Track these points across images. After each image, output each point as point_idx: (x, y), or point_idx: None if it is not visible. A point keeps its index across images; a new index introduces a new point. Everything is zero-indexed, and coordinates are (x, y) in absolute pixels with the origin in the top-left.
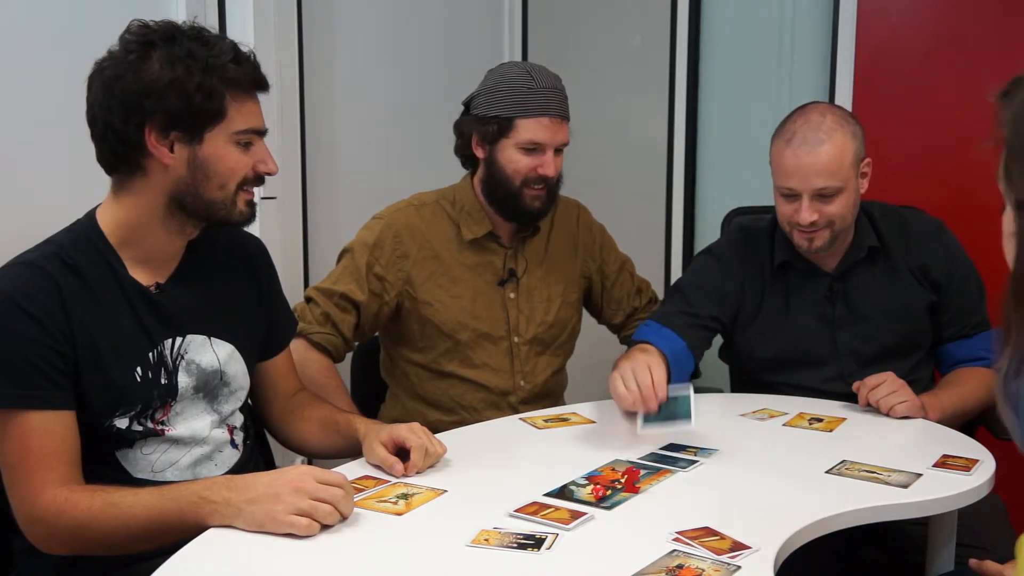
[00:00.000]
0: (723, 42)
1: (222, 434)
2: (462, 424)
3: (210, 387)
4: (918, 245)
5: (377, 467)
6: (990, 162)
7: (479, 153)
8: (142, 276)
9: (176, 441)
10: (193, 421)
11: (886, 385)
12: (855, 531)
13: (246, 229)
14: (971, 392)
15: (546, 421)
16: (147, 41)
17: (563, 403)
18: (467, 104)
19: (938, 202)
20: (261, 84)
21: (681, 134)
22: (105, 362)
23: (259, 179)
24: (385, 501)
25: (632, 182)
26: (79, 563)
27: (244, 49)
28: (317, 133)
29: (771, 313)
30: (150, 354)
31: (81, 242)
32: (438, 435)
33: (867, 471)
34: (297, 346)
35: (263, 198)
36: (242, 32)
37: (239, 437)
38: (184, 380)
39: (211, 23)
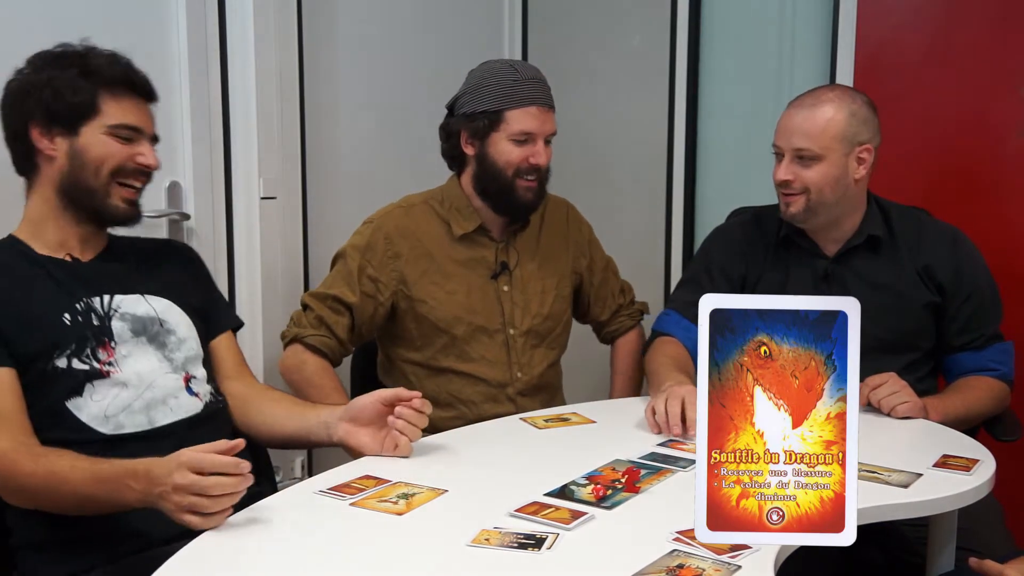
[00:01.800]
0: (723, 42)
1: (175, 380)
2: (461, 419)
3: (151, 332)
4: (928, 246)
5: (355, 459)
6: (991, 162)
7: (469, 150)
8: (55, 253)
9: (125, 385)
10: (140, 363)
11: (888, 385)
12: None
13: (238, 216)
14: (976, 400)
15: (546, 421)
16: (33, 60)
17: (560, 397)
18: (451, 106)
19: (938, 201)
20: (136, 84)
21: (681, 134)
22: (32, 313)
23: (139, 173)
24: (385, 501)
25: (632, 182)
26: (77, 556)
27: (124, 57)
28: (317, 133)
29: (768, 288)
30: (77, 304)
31: (5, 246)
32: (439, 434)
33: (867, 471)
34: (294, 350)
35: (263, 198)
36: (242, 32)
37: (201, 388)
38: (119, 325)
39: (211, 23)
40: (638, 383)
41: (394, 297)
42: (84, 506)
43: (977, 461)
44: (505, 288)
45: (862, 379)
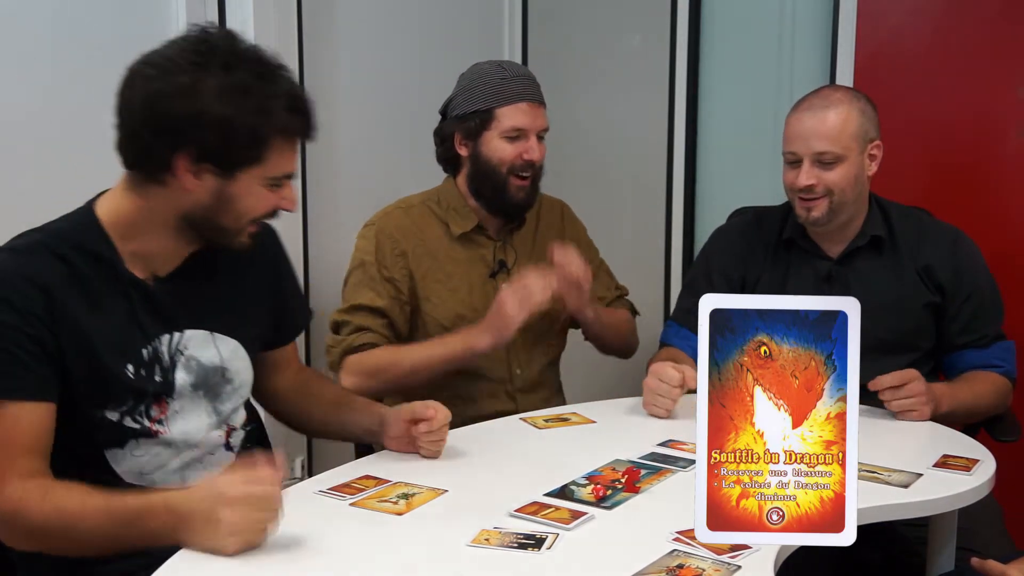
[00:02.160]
0: (723, 42)
1: (218, 436)
2: (461, 415)
3: (211, 384)
4: (929, 247)
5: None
6: (991, 162)
7: (463, 151)
8: (139, 270)
9: (169, 444)
10: (191, 422)
11: (907, 389)
12: None
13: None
14: (984, 393)
15: (546, 421)
16: (202, 63)
17: (560, 396)
18: (444, 111)
19: (938, 201)
20: (312, 134)
21: (681, 134)
22: (96, 352)
23: (275, 214)
24: (385, 501)
25: (632, 182)
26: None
27: (301, 91)
28: (317, 134)
29: (768, 290)
30: (144, 350)
31: (75, 233)
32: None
33: (867, 471)
34: (352, 363)
35: None
36: (242, 32)
37: (236, 438)
38: (182, 377)
39: (211, 23)
40: (619, 333)
41: (410, 293)
42: (94, 547)
43: (977, 461)
44: (504, 286)
45: (864, 380)
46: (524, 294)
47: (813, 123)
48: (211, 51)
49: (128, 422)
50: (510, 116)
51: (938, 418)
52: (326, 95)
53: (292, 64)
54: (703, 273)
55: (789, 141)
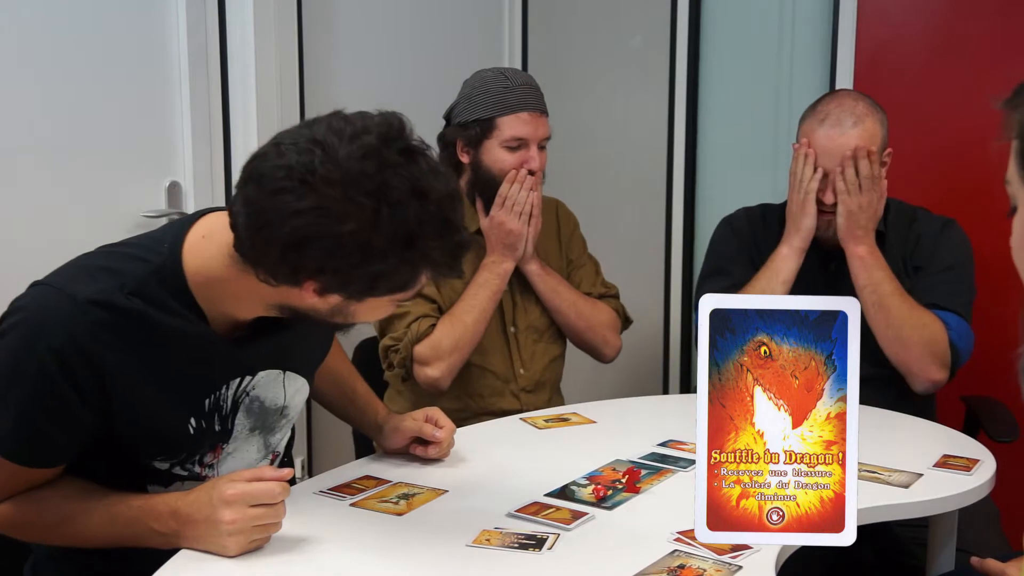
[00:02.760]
0: (723, 42)
1: (258, 463)
2: (466, 411)
3: (268, 423)
4: (917, 235)
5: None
6: (991, 161)
7: (464, 159)
8: (220, 326)
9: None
10: (240, 461)
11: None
12: None
13: None
14: (907, 305)
15: (546, 421)
16: (374, 206)
17: (561, 394)
18: (447, 116)
19: (938, 201)
20: (458, 268)
21: (681, 134)
22: (152, 415)
23: None
24: (385, 501)
25: (632, 182)
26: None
27: (454, 211)
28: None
29: None
30: (206, 400)
31: (152, 285)
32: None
33: (867, 471)
34: (425, 357)
35: None
36: (242, 32)
37: (278, 462)
38: (242, 421)
39: (211, 23)
40: (581, 315)
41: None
42: (95, 542)
43: (977, 461)
44: (506, 288)
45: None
46: (518, 209)
47: (843, 140)
48: (387, 185)
49: (178, 471)
50: (511, 126)
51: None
52: (326, 95)
53: (292, 64)
54: (724, 256)
55: (821, 157)
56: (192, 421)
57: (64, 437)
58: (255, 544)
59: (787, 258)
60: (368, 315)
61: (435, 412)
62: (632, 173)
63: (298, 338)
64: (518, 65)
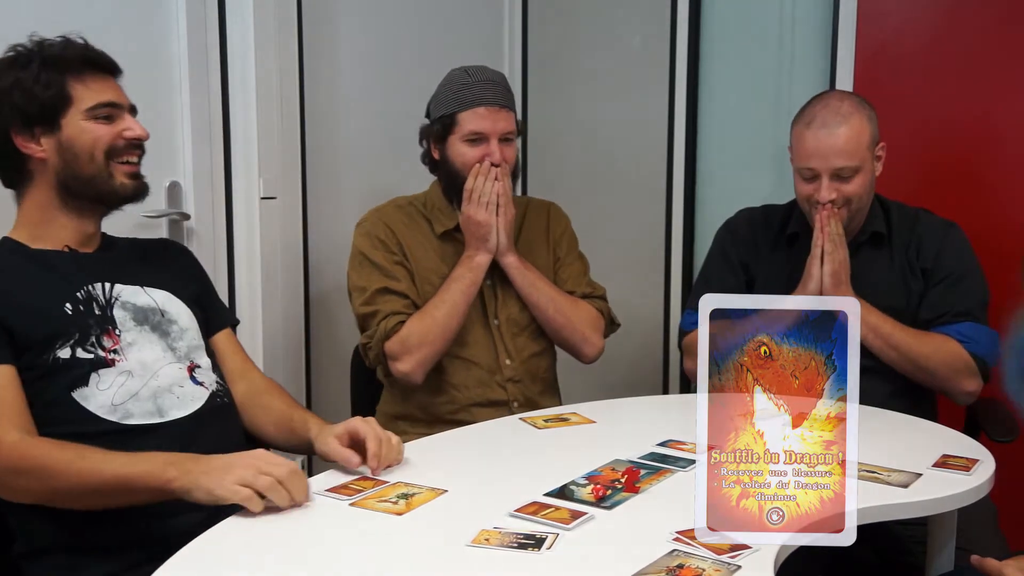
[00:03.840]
0: (723, 42)
1: (179, 370)
2: (452, 403)
3: (153, 321)
4: (920, 237)
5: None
6: (991, 162)
7: (435, 155)
8: (54, 247)
9: (131, 373)
10: (145, 352)
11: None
12: None
13: (238, 213)
14: (917, 341)
15: (546, 421)
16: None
17: (556, 391)
18: (427, 114)
19: (938, 201)
20: (98, 62)
21: (681, 134)
22: (32, 305)
23: (132, 147)
24: (385, 501)
25: (632, 182)
26: (84, 564)
27: (77, 40)
28: (317, 133)
29: (771, 283)
30: (78, 293)
31: None
32: (439, 434)
33: (867, 471)
34: (395, 352)
35: (263, 198)
36: (242, 32)
37: (206, 377)
38: (120, 313)
39: (211, 24)
40: (560, 311)
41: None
42: (110, 490)
43: (977, 461)
44: (487, 282)
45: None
46: (484, 200)
47: (830, 140)
48: (6, 55)
49: (81, 354)
50: (469, 120)
51: (868, 342)
52: (326, 96)
53: (292, 64)
54: (718, 261)
55: (806, 157)
56: (68, 306)
57: None
58: (247, 495)
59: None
60: (86, 139)
61: (354, 426)
62: (632, 173)
63: (147, 267)
64: (518, 65)
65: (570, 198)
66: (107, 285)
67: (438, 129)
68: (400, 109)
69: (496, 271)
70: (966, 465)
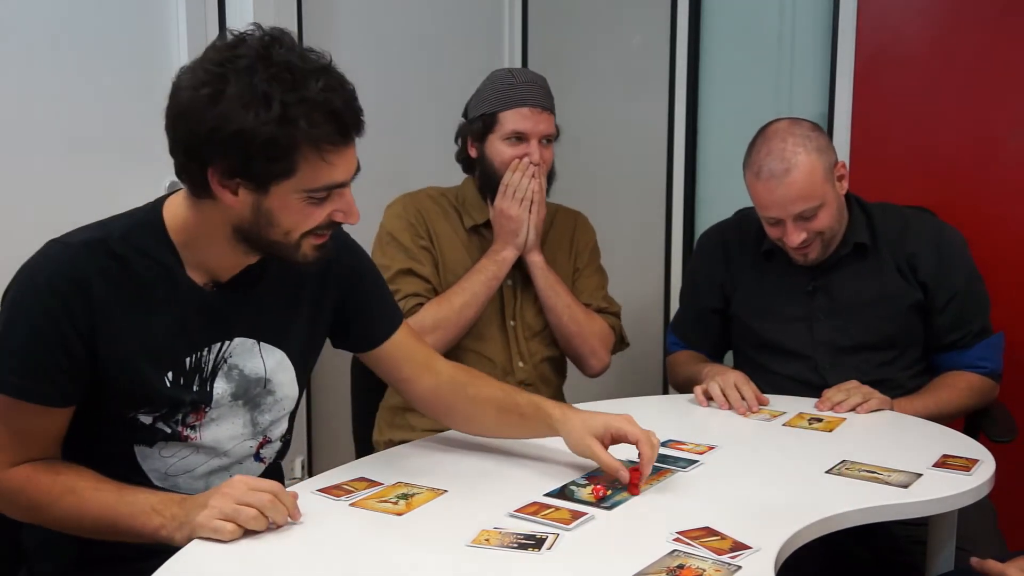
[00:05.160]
0: (723, 42)
1: (249, 447)
2: None
3: (251, 395)
4: (912, 241)
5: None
6: (991, 163)
7: (473, 153)
8: (199, 276)
9: (198, 448)
10: (224, 430)
11: (848, 395)
12: (845, 531)
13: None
14: (953, 398)
15: None
16: (223, 73)
17: (560, 396)
18: (464, 114)
19: (938, 202)
20: (350, 133)
21: (681, 134)
22: (135, 358)
23: (333, 225)
24: (385, 501)
25: (632, 182)
26: (90, 562)
27: (337, 90)
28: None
29: (752, 299)
30: (187, 359)
31: (137, 232)
32: (438, 434)
33: (867, 471)
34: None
35: None
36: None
37: (270, 450)
38: (221, 387)
39: (211, 24)
40: (575, 320)
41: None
42: (96, 529)
43: (977, 461)
44: (509, 282)
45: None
46: (519, 196)
47: (783, 190)
48: (235, 56)
49: (161, 425)
50: (511, 120)
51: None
52: None
53: None
54: (691, 283)
55: (764, 208)
56: (169, 375)
57: (63, 374)
58: (225, 529)
59: None
60: (290, 217)
61: (618, 426)
62: (632, 173)
63: (275, 308)
64: (518, 65)
65: (570, 198)
66: (225, 344)
67: (479, 127)
68: (401, 109)
69: (519, 272)
70: (966, 465)
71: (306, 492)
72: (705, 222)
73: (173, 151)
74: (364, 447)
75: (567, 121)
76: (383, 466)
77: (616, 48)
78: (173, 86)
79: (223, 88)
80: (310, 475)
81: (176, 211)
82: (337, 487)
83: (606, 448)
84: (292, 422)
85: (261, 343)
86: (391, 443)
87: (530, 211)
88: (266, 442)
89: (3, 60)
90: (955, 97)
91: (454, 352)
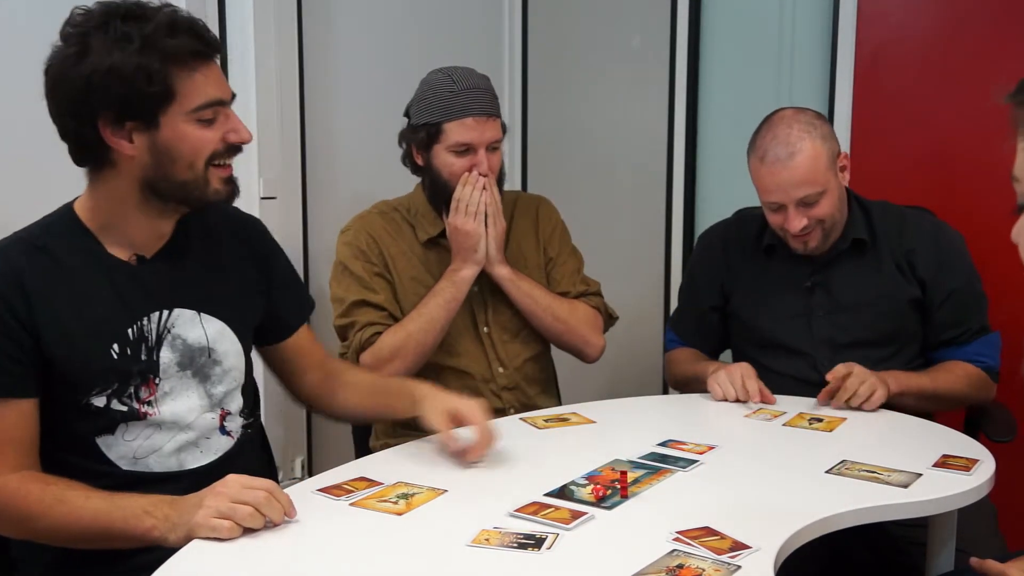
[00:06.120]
0: (723, 42)
1: (211, 419)
2: None
3: (197, 364)
4: (910, 239)
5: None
6: (991, 162)
7: (419, 161)
8: (122, 253)
9: (160, 425)
10: (180, 403)
11: (861, 385)
12: (845, 531)
13: (245, 211)
14: (948, 382)
15: (546, 421)
16: (83, 32)
17: (555, 388)
18: (406, 114)
19: (937, 202)
20: (205, 51)
21: (681, 134)
22: (76, 341)
23: (232, 150)
24: (385, 501)
25: (632, 182)
26: (77, 561)
27: (183, 14)
28: (317, 133)
29: (751, 296)
30: (129, 329)
31: (55, 227)
32: (438, 434)
33: (867, 471)
34: (367, 364)
35: (263, 198)
36: (242, 32)
37: (234, 424)
38: (167, 356)
39: (211, 24)
40: (558, 318)
41: (394, 290)
42: (89, 536)
43: (977, 461)
44: (475, 289)
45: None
46: (472, 210)
47: (787, 174)
48: (88, 19)
49: (116, 405)
50: (456, 131)
51: (905, 405)
52: (326, 93)
53: (292, 64)
54: (690, 281)
55: (767, 192)
56: (115, 348)
57: (17, 364)
58: (223, 527)
59: None
60: (187, 145)
61: (462, 410)
62: (632, 173)
63: (208, 280)
64: (518, 65)
65: (570, 198)
66: (164, 313)
67: (423, 137)
68: (400, 109)
69: (483, 278)
70: (966, 465)
71: (306, 492)
72: (705, 222)
73: (62, 126)
74: (363, 447)
75: (566, 121)
76: (383, 466)
77: (616, 48)
78: (44, 71)
79: (87, 43)
80: (310, 475)
81: (84, 203)
82: (337, 487)
83: (453, 427)
84: (251, 399)
85: (202, 314)
86: (387, 447)
87: (486, 224)
88: (226, 415)
89: (3, 61)
90: (955, 96)
91: (429, 371)
